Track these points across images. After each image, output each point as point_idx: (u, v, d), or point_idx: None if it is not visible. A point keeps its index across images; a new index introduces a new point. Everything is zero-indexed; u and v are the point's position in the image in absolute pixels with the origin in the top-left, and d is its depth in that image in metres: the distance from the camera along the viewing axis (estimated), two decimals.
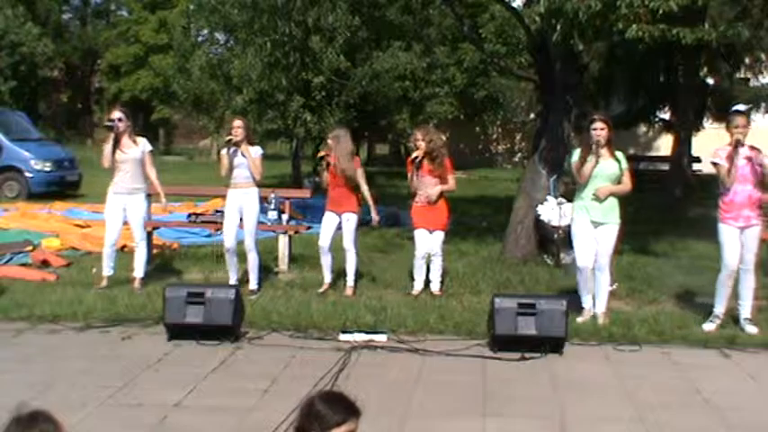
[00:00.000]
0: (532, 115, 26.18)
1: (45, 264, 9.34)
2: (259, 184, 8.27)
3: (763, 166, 6.71)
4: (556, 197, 9.64)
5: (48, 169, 18.70)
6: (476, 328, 6.74)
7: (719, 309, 6.98)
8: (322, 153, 8.43)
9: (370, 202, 8.33)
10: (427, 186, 8.06)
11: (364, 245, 11.01)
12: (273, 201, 10.68)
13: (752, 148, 6.79)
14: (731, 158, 6.70)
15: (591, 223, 7.00)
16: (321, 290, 8.17)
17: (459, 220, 13.91)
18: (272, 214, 10.74)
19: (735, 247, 6.82)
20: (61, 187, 18.78)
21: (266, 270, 9.31)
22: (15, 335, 6.68)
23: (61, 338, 6.61)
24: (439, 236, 8.12)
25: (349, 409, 2.61)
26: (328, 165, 8.14)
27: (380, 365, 5.99)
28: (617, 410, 5.13)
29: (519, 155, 29.97)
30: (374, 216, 8.54)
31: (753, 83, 21.74)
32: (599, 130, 6.90)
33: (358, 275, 8.46)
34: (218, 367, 5.90)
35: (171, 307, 6.46)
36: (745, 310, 6.96)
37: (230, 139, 8.00)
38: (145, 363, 5.93)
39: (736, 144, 6.67)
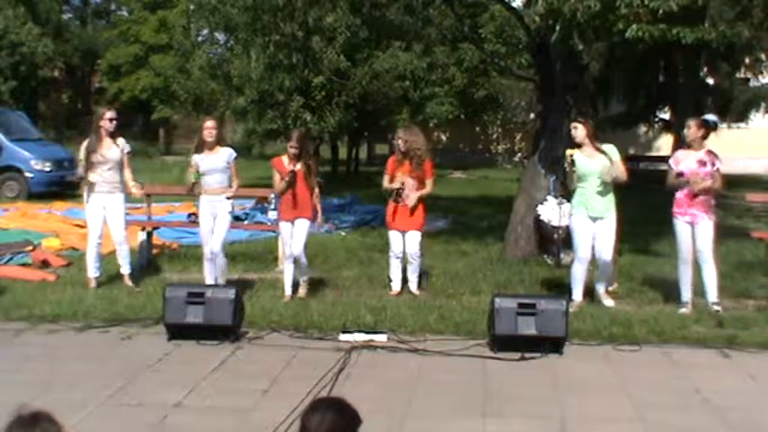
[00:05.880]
0: (532, 115, 26.17)
1: (45, 264, 9.34)
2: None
3: (713, 169, 7.25)
4: (556, 197, 9.63)
5: (48, 169, 18.67)
6: (476, 328, 6.74)
7: (686, 295, 7.44)
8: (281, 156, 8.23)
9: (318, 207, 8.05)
10: (407, 188, 8.01)
11: (364, 245, 11.03)
12: (273, 201, 10.67)
13: (708, 152, 7.30)
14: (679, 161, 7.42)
15: (589, 218, 7.45)
16: (285, 300, 7.75)
17: (459, 220, 13.95)
18: (272, 214, 10.74)
19: (684, 239, 7.38)
20: (61, 187, 18.73)
21: (266, 270, 9.32)
22: (15, 335, 6.68)
23: (61, 338, 6.61)
24: (415, 236, 8.08)
25: (356, 420, 2.62)
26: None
27: (380, 365, 5.99)
28: (617, 410, 5.12)
29: (519, 155, 29.93)
30: (319, 221, 8.25)
31: (753, 83, 21.75)
32: (573, 131, 7.53)
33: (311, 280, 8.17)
34: (218, 367, 5.90)
35: (171, 307, 6.46)
36: (711, 296, 7.36)
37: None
38: (145, 363, 5.93)
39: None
